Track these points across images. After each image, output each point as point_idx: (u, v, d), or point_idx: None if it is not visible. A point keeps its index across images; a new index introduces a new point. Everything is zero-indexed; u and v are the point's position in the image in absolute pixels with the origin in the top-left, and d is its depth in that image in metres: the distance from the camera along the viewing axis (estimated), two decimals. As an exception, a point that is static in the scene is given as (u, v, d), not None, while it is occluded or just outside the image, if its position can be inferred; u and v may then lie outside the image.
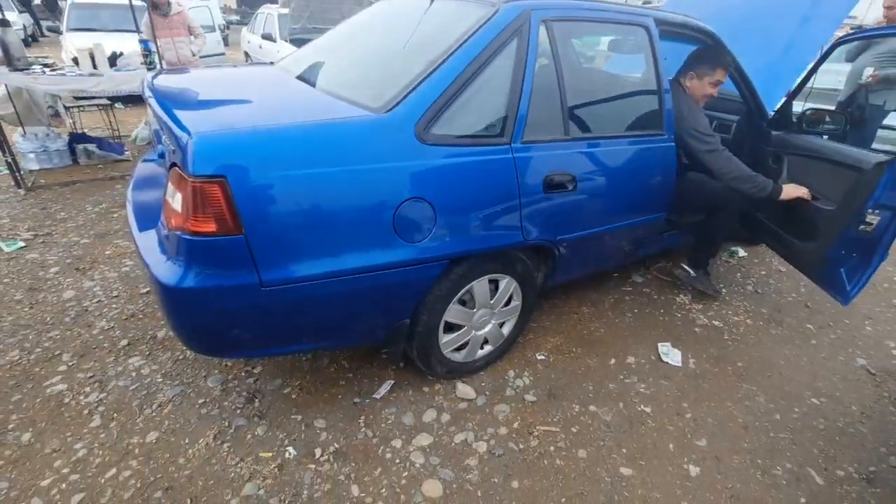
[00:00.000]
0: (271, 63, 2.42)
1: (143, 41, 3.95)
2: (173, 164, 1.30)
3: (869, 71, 3.32)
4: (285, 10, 8.79)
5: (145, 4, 4.28)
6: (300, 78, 1.89)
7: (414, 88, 1.46)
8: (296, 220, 1.29)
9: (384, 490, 1.50)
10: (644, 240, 2.32)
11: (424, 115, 1.44)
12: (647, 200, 2.13)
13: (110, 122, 4.68)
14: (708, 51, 2.22)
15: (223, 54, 8.85)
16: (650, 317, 2.48)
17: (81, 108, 4.42)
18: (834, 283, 2.04)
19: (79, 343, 2.06)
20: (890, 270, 3.10)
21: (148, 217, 1.57)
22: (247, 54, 10.03)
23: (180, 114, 1.36)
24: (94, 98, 4.39)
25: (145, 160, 2.13)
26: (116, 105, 4.75)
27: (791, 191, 2.15)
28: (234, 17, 23.38)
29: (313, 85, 1.80)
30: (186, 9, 4.70)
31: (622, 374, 2.07)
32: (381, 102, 1.46)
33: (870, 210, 1.81)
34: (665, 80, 2.01)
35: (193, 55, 4.65)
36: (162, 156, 1.55)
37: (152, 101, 1.57)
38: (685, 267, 2.61)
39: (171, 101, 1.49)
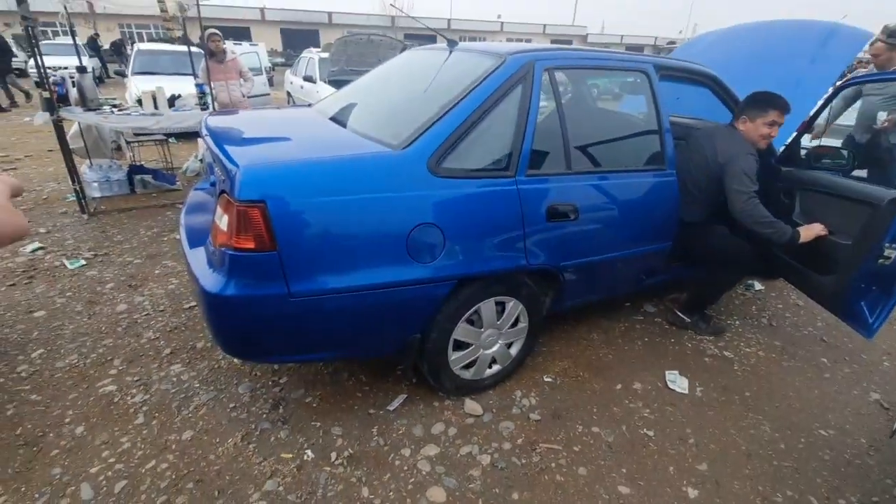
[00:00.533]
0: (309, 105, 2.71)
1: (198, 85, 4.41)
2: (223, 191, 1.53)
3: (883, 115, 3.37)
4: (325, 55, 9.50)
5: (202, 52, 4.79)
6: (332, 119, 2.15)
7: (428, 128, 1.67)
8: (322, 239, 1.49)
9: (392, 493, 1.61)
10: (650, 269, 2.41)
11: (436, 151, 1.64)
12: (648, 231, 2.24)
13: (165, 155, 5.17)
14: (759, 94, 2.25)
15: (268, 94, 9.57)
16: (660, 345, 2.53)
17: (140, 143, 4.91)
18: (856, 317, 2.06)
19: (128, 350, 2.29)
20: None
21: (197, 237, 1.81)
22: (289, 94, 10.77)
23: (230, 149, 1.61)
24: (151, 134, 4.89)
25: (196, 188, 2.41)
26: (170, 140, 5.25)
27: (809, 232, 2.17)
28: (279, 60, 25.17)
29: (343, 125, 2.04)
30: (238, 55, 5.23)
31: (627, 398, 2.13)
32: (399, 140, 1.67)
33: (887, 244, 1.87)
34: (666, 120, 2.16)
35: (243, 96, 5.15)
36: (213, 184, 1.80)
37: (208, 139, 1.84)
38: (679, 314, 2.68)
39: (223, 139, 1.75)
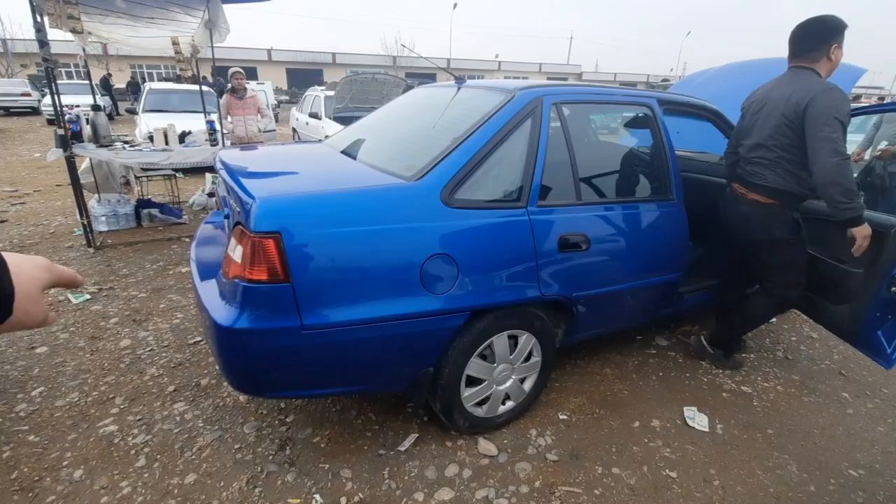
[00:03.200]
0: (320, 141, 2.75)
1: (209, 122, 4.51)
2: (237, 223, 1.52)
3: (883, 144, 3.44)
4: (330, 93, 9.78)
5: (213, 91, 4.94)
6: (344, 153, 2.17)
7: (441, 160, 1.68)
8: (336, 271, 1.48)
9: (405, 541, 1.53)
10: (662, 300, 2.38)
11: (449, 182, 1.64)
12: (659, 261, 2.22)
13: (172, 189, 5.22)
14: (825, 19, 1.97)
15: (274, 130, 9.79)
16: (675, 380, 2.47)
17: (149, 178, 4.97)
18: (873, 347, 2.01)
19: (131, 388, 2.23)
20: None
21: (208, 269, 1.79)
22: (294, 130, 11.00)
23: (246, 182, 1.61)
24: (160, 168, 4.97)
25: (207, 222, 2.42)
26: (178, 175, 5.33)
27: (866, 229, 1.88)
28: (284, 97, 25.96)
29: (356, 158, 2.07)
30: (258, 93, 5.45)
31: (647, 437, 2.05)
32: (412, 172, 1.68)
33: None
34: (671, 151, 2.19)
35: (259, 131, 5.31)
36: (227, 217, 1.79)
37: (223, 172, 1.85)
38: (704, 341, 2.55)
39: (238, 172, 1.76)
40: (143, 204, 4.67)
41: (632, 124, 2.27)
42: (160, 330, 2.76)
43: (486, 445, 1.93)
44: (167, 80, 14.56)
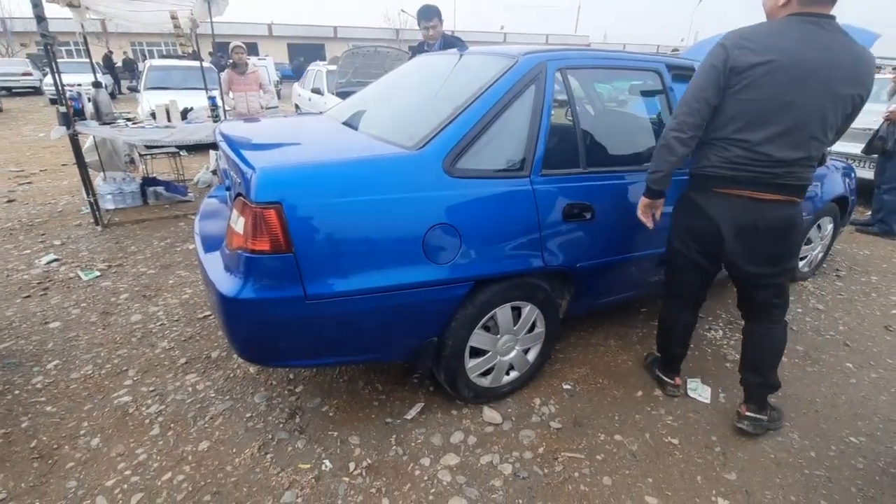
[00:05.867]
0: (320, 113, 2.72)
1: (210, 98, 4.46)
2: (238, 195, 1.52)
3: (892, 107, 3.39)
4: (333, 67, 9.61)
5: (213, 67, 4.88)
6: (345, 124, 2.15)
7: (442, 129, 1.66)
8: (337, 240, 1.48)
9: (412, 504, 1.58)
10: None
11: (451, 151, 1.63)
12: (664, 231, 2.20)
13: (177, 167, 5.22)
14: None
15: (277, 107, 9.68)
16: (679, 351, 2.47)
17: (153, 156, 4.96)
18: None
19: (143, 360, 2.28)
20: (941, 311, 2.97)
21: (212, 242, 1.81)
22: (297, 106, 10.88)
23: (246, 153, 1.61)
24: (163, 146, 4.96)
25: (210, 196, 2.42)
26: (182, 153, 5.31)
27: None
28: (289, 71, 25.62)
29: (356, 129, 2.04)
30: (259, 68, 5.37)
31: (649, 405, 2.08)
32: (414, 141, 1.67)
33: None
34: None
35: (262, 107, 5.26)
36: (228, 189, 1.79)
37: (223, 145, 1.85)
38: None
39: (238, 144, 1.75)
40: (148, 182, 4.68)
41: (639, 90, 2.21)
42: (170, 305, 2.80)
43: (490, 414, 1.97)
44: (167, 57, 14.35)
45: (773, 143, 1.53)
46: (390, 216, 1.53)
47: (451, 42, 3.52)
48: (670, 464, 1.78)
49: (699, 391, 2.17)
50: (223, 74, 5.40)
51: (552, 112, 1.82)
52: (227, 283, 1.49)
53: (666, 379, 2.15)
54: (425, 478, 1.68)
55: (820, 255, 3.35)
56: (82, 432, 1.84)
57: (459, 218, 1.62)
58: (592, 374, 2.28)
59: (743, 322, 1.92)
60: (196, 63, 9.70)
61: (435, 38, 3.52)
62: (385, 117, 2.10)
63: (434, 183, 1.59)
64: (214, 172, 5.26)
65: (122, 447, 1.77)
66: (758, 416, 1.88)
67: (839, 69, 1.45)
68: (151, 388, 2.09)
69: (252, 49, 27.14)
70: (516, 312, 1.93)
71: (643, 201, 1.84)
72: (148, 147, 4.99)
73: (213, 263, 1.63)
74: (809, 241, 3.17)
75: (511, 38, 41.82)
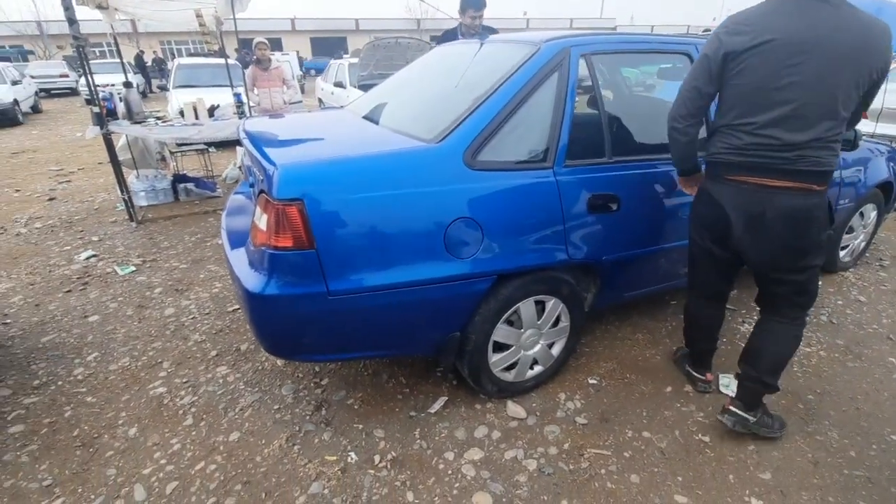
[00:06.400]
0: (341, 107, 2.73)
1: (236, 94, 4.54)
2: (261, 191, 1.54)
3: None
4: (355, 60, 9.64)
5: (239, 64, 4.95)
6: (365, 118, 2.15)
7: (462, 121, 1.64)
8: (359, 236, 1.49)
9: (437, 499, 1.58)
10: None
11: (471, 144, 1.60)
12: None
13: (205, 164, 5.35)
14: None
15: (301, 101, 9.80)
16: (711, 345, 2.40)
17: (183, 153, 5.09)
18: None
19: (177, 353, 2.36)
20: None
21: (238, 238, 1.84)
22: (320, 100, 10.98)
23: (267, 150, 1.62)
24: (192, 144, 5.08)
25: (236, 192, 2.46)
26: (210, 149, 5.43)
27: None
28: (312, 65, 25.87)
29: (376, 123, 2.04)
30: (283, 64, 5.44)
31: (679, 401, 2.02)
32: (434, 134, 1.65)
33: None
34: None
35: (285, 103, 5.32)
36: (252, 186, 1.82)
37: (246, 142, 1.87)
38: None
39: (260, 141, 1.77)
40: (178, 179, 4.81)
41: (668, 75, 2.12)
42: (201, 299, 2.88)
43: (514, 408, 1.96)
44: (195, 55, 14.69)
45: (779, 126, 1.44)
46: (410, 211, 1.52)
47: (490, 32, 3.47)
48: (701, 462, 1.73)
49: (731, 387, 2.10)
50: (247, 71, 5.48)
51: (576, 100, 1.77)
52: (252, 280, 1.51)
53: (696, 374, 2.08)
54: (449, 472, 1.68)
55: (863, 245, 3.18)
56: (121, 422, 1.92)
57: (481, 211, 1.60)
58: (620, 368, 2.23)
59: None
60: (222, 61, 9.90)
61: (477, 28, 3.46)
62: (405, 110, 2.09)
63: (455, 176, 1.57)
64: (241, 168, 5.37)
65: (158, 437, 1.84)
66: (743, 413, 1.74)
67: (845, 44, 1.36)
68: (185, 380, 2.16)
69: (276, 44, 27.45)
70: (540, 306, 1.90)
71: (679, 180, 1.87)
72: (178, 144, 5.13)
73: (239, 260, 1.66)
74: (851, 230, 3.00)
75: (534, 24, 40.99)
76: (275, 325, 1.55)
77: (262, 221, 1.49)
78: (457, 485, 1.63)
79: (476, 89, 1.75)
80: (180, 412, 1.97)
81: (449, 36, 3.53)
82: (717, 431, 1.86)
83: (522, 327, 1.89)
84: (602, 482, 1.65)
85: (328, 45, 34.37)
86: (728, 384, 2.12)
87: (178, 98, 6.74)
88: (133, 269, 3.26)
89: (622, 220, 1.89)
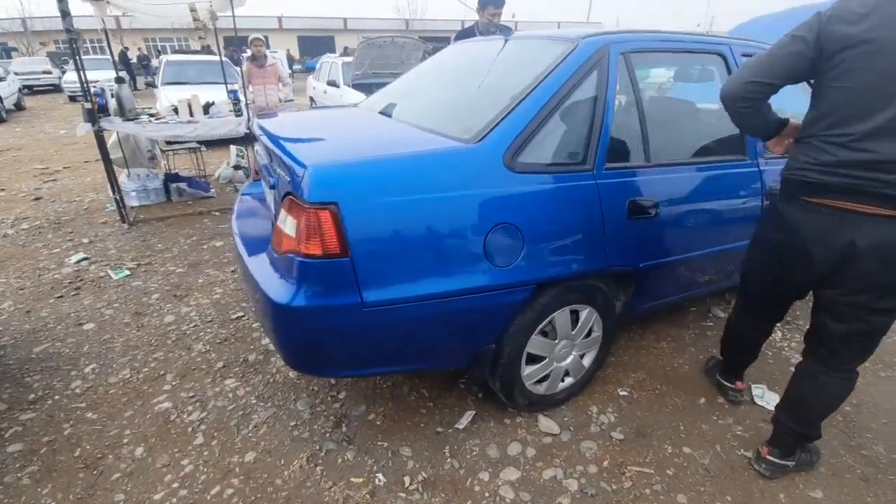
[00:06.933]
0: (355, 105, 2.60)
1: (232, 91, 4.38)
2: (288, 194, 1.42)
3: None
4: (348, 59, 9.48)
5: (230, 61, 4.80)
6: (387, 115, 2.03)
7: (501, 120, 1.53)
8: (396, 243, 1.37)
9: (476, 523, 1.48)
10: (728, 270, 2.23)
11: (511, 144, 1.50)
12: (730, 228, 2.05)
13: (197, 163, 5.16)
14: None
15: (293, 100, 9.61)
16: (738, 354, 2.33)
17: (175, 152, 4.90)
18: None
19: (180, 364, 2.21)
20: None
21: (255, 243, 1.71)
22: (312, 99, 10.80)
23: (293, 148, 1.50)
24: (184, 142, 4.89)
25: (244, 193, 2.33)
26: (201, 148, 5.23)
27: None
28: (297, 66, 25.56)
29: (401, 121, 1.92)
30: (278, 62, 5.29)
31: (715, 414, 1.95)
32: (471, 134, 1.54)
33: None
34: None
35: (280, 101, 5.17)
36: (273, 187, 1.69)
37: (264, 139, 1.74)
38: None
39: (281, 139, 1.64)
40: (170, 178, 4.62)
41: (702, 76, 2.04)
42: (201, 305, 2.73)
43: (547, 423, 1.86)
44: (180, 52, 14.34)
45: (882, 139, 1.20)
46: (450, 215, 1.42)
47: (507, 32, 3.38)
48: (748, 479, 1.65)
49: (766, 398, 2.04)
50: (243, 67, 5.32)
51: (615, 100, 1.68)
52: (278, 289, 1.39)
53: (727, 384, 1.99)
54: (486, 494, 1.57)
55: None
56: (125, 440, 1.77)
57: (521, 217, 1.50)
58: (649, 378, 2.15)
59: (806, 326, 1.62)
60: (212, 57, 9.66)
61: (495, 26, 3.37)
62: (433, 107, 1.98)
63: (495, 179, 1.47)
64: (237, 168, 5.19)
65: (167, 457, 1.70)
66: (780, 461, 1.62)
67: None
68: (191, 394, 2.01)
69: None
70: (574, 316, 1.81)
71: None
72: (168, 143, 4.93)
73: (260, 266, 1.53)
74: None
75: (522, 26, 41.17)
76: (302, 339, 1.43)
77: (290, 226, 1.37)
78: (496, 508, 1.53)
79: (511, 87, 1.65)
80: (189, 430, 1.83)
81: (467, 34, 3.44)
82: (758, 446, 1.78)
83: (557, 338, 1.79)
84: (649, 503, 1.56)
85: (316, 44, 34.00)
86: (762, 395, 2.05)
87: (168, 95, 6.53)
88: (128, 273, 3.08)
89: (661, 226, 1.80)
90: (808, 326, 1.57)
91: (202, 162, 5.16)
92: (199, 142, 5.05)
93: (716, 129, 2.06)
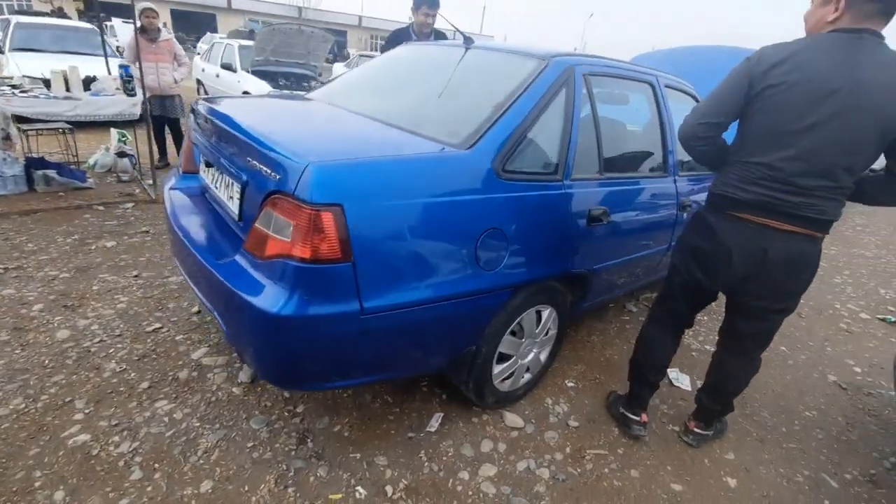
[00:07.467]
0: (305, 96, 2.42)
1: (123, 66, 3.77)
2: (274, 192, 1.30)
3: None
4: (246, 42, 8.73)
5: (96, 29, 4.13)
6: (353, 112, 1.93)
7: (489, 128, 1.58)
8: (398, 247, 1.35)
9: (466, 523, 1.50)
10: (649, 270, 2.55)
11: (500, 151, 1.56)
12: (656, 233, 2.36)
13: (67, 146, 4.34)
14: None
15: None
16: (653, 343, 2.69)
17: (39, 132, 4.06)
18: None
19: (90, 387, 1.87)
20: (829, 298, 3.62)
21: (213, 245, 1.53)
22: (199, 82, 9.73)
23: (278, 142, 1.37)
24: (49, 121, 4.07)
25: (173, 189, 2.04)
26: (69, 129, 4.40)
27: None
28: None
29: (374, 119, 1.83)
30: (173, 36, 4.66)
31: (645, 397, 2.22)
32: (459, 139, 1.56)
33: None
34: (668, 127, 2.29)
35: (176, 82, 4.57)
36: (247, 183, 1.49)
37: (224, 127, 1.57)
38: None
39: (256, 130, 1.48)
40: (34, 164, 3.83)
41: (642, 100, 2.32)
42: (104, 317, 2.33)
43: (512, 418, 1.95)
44: (21, 13, 11.79)
45: (792, 168, 1.42)
46: (448, 219, 1.43)
47: (441, 37, 3.39)
48: (679, 450, 1.93)
49: (680, 380, 2.38)
50: (127, 40, 4.60)
51: (580, 116, 1.84)
52: (265, 298, 1.26)
53: (631, 416, 1.95)
54: (469, 493, 1.61)
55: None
56: (37, 484, 1.45)
57: (507, 222, 1.57)
58: (588, 370, 2.38)
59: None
60: (73, 22, 8.18)
61: (430, 27, 3.35)
62: (405, 108, 1.92)
63: (487, 184, 1.52)
64: (121, 155, 4.48)
65: (99, 499, 1.43)
66: (703, 432, 1.95)
67: (877, 88, 1.30)
68: (114, 422, 1.72)
69: (127, 14, 23.29)
70: (537, 316, 1.93)
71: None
72: (22, 119, 4.05)
73: (233, 273, 1.38)
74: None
75: (420, 30, 41.54)
76: (290, 350, 1.32)
77: (279, 228, 1.26)
78: (481, 505, 1.57)
79: (491, 97, 1.71)
80: (121, 463, 1.56)
81: (402, 35, 3.40)
82: (681, 420, 2.08)
83: (524, 337, 1.90)
84: (609, 481, 1.73)
85: (193, 22, 30.56)
86: (677, 377, 2.40)
87: (19, 63, 5.38)
88: (-8, 279, 2.50)
89: (611, 232, 2.01)
90: (721, 323, 1.87)
91: (75, 146, 4.35)
92: (67, 122, 4.25)
93: (648, 147, 2.35)
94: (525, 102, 1.66)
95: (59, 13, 7.56)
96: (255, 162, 1.39)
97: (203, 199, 1.93)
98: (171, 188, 2.05)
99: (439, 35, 3.41)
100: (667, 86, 2.35)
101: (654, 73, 2.32)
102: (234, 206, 1.55)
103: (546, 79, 1.74)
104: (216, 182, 1.72)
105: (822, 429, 2.16)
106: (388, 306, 1.35)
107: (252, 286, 1.31)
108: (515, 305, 1.75)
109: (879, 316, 3.42)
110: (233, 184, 1.55)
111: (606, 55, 2.16)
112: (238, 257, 1.41)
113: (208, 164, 1.73)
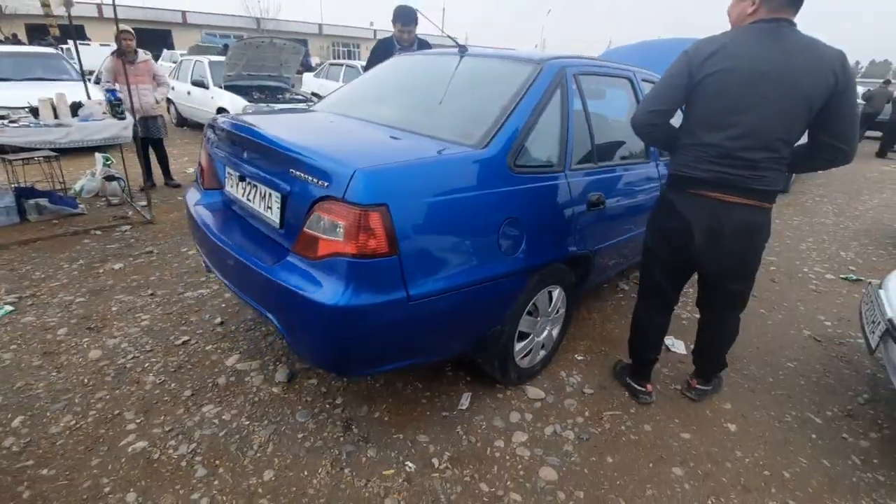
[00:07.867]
0: (309, 108, 2.55)
1: (110, 90, 3.80)
2: (322, 198, 1.44)
3: None
4: (217, 58, 8.68)
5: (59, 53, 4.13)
6: (363, 120, 2.08)
7: (500, 128, 1.77)
8: (434, 239, 1.52)
9: (509, 482, 1.68)
10: (638, 249, 2.78)
11: (511, 149, 1.75)
12: (645, 215, 2.58)
13: (53, 174, 4.31)
14: None
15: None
16: (648, 316, 2.92)
17: (25, 161, 4.03)
18: None
19: (135, 399, 1.96)
20: (798, 264, 3.95)
21: (260, 254, 1.66)
22: (170, 101, 9.59)
23: (321, 152, 1.52)
24: (35, 150, 4.05)
25: (197, 204, 2.15)
26: (52, 158, 4.35)
27: None
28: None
29: (388, 125, 1.98)
30: (151, 58, 4.68)
31: (647, 363, 2.44)
32: (474, 140, 1.74)
33: None
34: None
35: (157, 102, 4.59)
36: (291, 192, 1.59)
37: (256, 140, 1.71)
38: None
39: (297, 143, 1.61)
40: (24, 193, 3.82)
41: (619, 95, 2.54)
42: (131, 335, 2.40)
43: (534, 391, 2.14)
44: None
45: (738, 145, 1.59)
46: (473, 212, 1.61)
47: (424, 45, 3.55)
48: (684, 405, 2.15)
49: (675, 346, 2.62)
50: (105, 63, 4.60)
51: (574, 113, 2.04)
52: (323, 292, 1.41)
53: (637, 386, 2.14)
54: (507, 457, 1.79)
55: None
56: (107, 490, 1.55)
57: (523, 212, 1.76)
58: (594, 344, 2.59)
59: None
60: (36, 48, 7.99)
61: (411, 41, 3.50)
62: (416, 114, 2.09)
63: (503, 179, 1.70)
64: (109, 178, 4.47)
65: (172, 497, 1.54)
66: (704, 388, 2.17)
67: (800, 68, 1.51)
68: (167, 428, 1.82)
69: (80, 34, 22.47)
70: (548, 296, 2.12)
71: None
72: (12, 149, 4.01)
73: (287, 275, 1.51)
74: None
75: (381, 34, 41.62)
76: (349, 338, 1.47)
77: (330, 229, 1.41)
78: (519, 466, 1.75)
79: (495, 99, 1.89)
80: (183, 463, 1.67)
81: (386, 46, 3.55)
82: (681, 379, 2.31)
83: (539, 315, 2.08)
84: (627, 436, 1.94)
85: (147, 39, 29.71)
86: (672, 343, 2.63)
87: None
88: (11, 309, 2.53)
89: (606, 216, 2.22)
90: (697, 297, 2.07)
91: (62, 173, 4.33)
92: (53, 149, 4.23)
93: (631, 137, 2.57)
94: (527, 103, 1.85)
95: (14, 40, 7.37)
96: (299, 172, 1.53)
97: (230, 212, 2.04)
98: (195, 205, 2.15)
99: (423, 44, 3.57)
100: (643, 80, 2.58)
101: (630, 68, 2.55)
102: (273, 216, 1.68)
103: (543, 80, 1.94)
104: (248, 195, 1.85)
105: (803, 376, 2.43)
106: (429, 293, 1.51)
107: (309, 284, 1.45)
108: (531, 287, 1.93)
109: (842, 276, 3.77)
110: (271, 194, 1.69)
111: (566, 51, 2.37)
112: (290, 258, 1.55)
113: (241, 178, 1.85)
